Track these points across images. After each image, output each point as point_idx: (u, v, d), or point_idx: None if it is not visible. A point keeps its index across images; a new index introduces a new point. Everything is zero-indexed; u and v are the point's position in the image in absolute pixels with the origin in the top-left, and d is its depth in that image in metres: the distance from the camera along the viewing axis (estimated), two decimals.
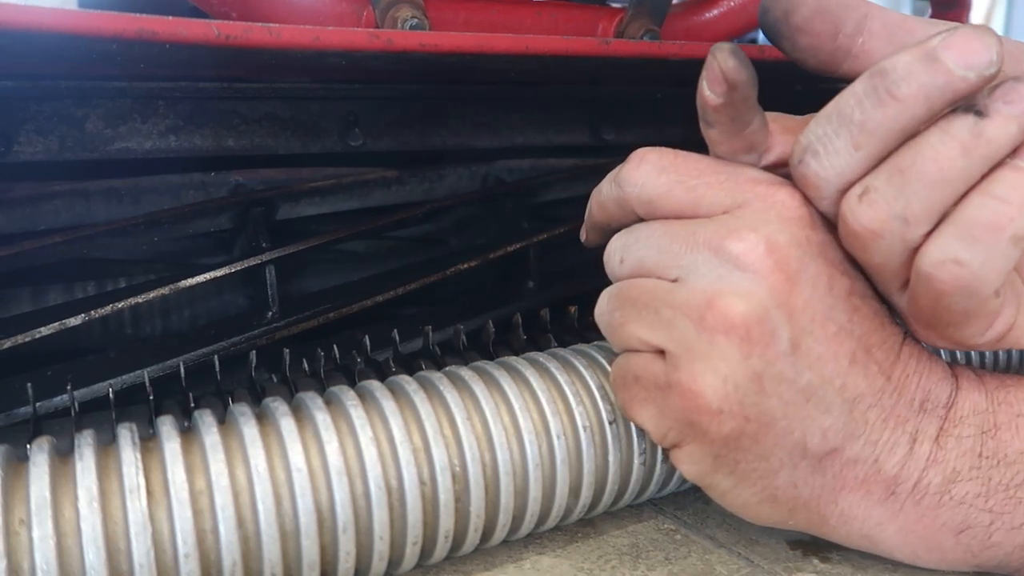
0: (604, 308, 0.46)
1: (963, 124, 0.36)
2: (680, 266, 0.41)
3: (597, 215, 0.49)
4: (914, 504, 0.41)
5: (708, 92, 0.40)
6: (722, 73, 0.39)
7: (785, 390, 0.40)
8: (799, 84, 0.93)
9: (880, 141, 0.38)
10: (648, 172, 0.44)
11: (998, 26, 4.80)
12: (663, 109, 0.90)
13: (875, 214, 0.38)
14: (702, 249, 0.40)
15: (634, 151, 0.45)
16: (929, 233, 0.37)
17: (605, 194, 0.47)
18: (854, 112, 0.38)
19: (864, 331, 0.41)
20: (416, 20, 0.58)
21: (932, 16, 1.05)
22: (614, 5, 0.75)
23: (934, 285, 0.38)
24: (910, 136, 0.37)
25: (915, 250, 0.38)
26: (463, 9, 0.65)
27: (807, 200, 0.41)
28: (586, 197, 0.81)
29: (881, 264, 0.40)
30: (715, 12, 0.84)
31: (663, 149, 0.44)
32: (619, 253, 0.45)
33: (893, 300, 0.42)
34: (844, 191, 0.40)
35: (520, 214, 0.78)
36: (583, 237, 0.52)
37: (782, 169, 0.43)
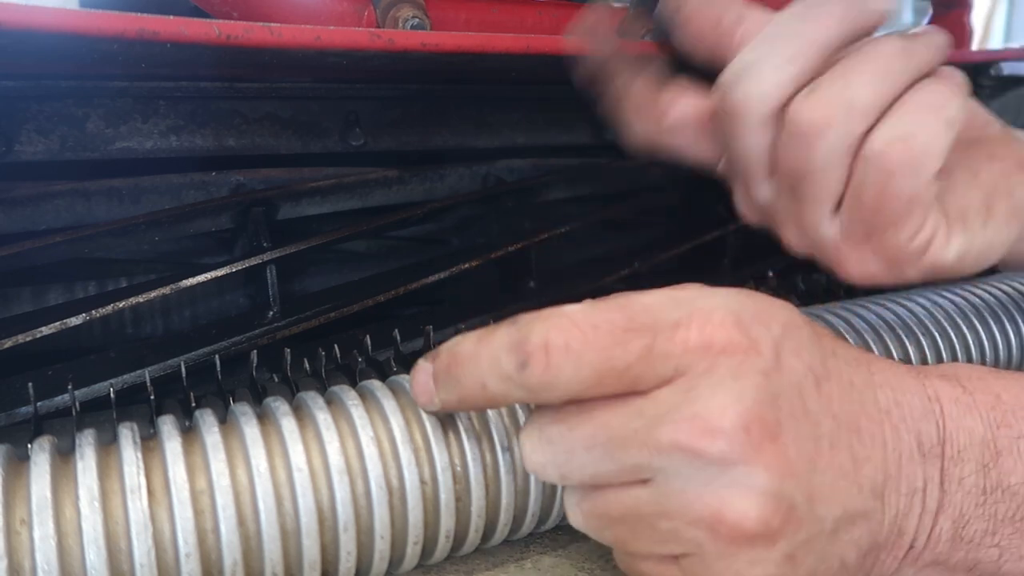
0: (582, 523, 0.40)
1: (894, 37, 0.42)
2: (649, 468, 0.36)
3: (473, 400, 0.39)
4: (930, 552, 0.41)
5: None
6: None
7: (816, 543, 0.37)
8: None
9: (813, 53, 0.41)
10: (569, 372, 0.35)
11: (999, 26, 4.79)
12: None
13: (823, 105, 0.40)
14: (669, 451, 0.35)
15: (526, 331, 0.36)
16: (868, 131, 0.41)
17: (495, 391, 0.37)
18: (790, 27, 0.42)
19: (846, 411, 0.39)
20: (417, 20, 0.58)
21: (933, 16, 1.05)
22: (615, 5, 0.75)
23: (884, 164, 0.41)
24: (832, 58, 0.41)
25: (857, 147, 0.41)
26: (464, 9, 0.65)
27: (738, 322, 0.36)
28: (587, 197, 0.81)
29: (823, 165, 0.42)
30: None
31: (562, 322, 0.35)
32: (554, 470, 0.38)
33: (823, 229, 0.45)
34: (777, 111, 0.42)
35: (521, 214, 0.78)
36: (426, 402, 0.41)
37: None
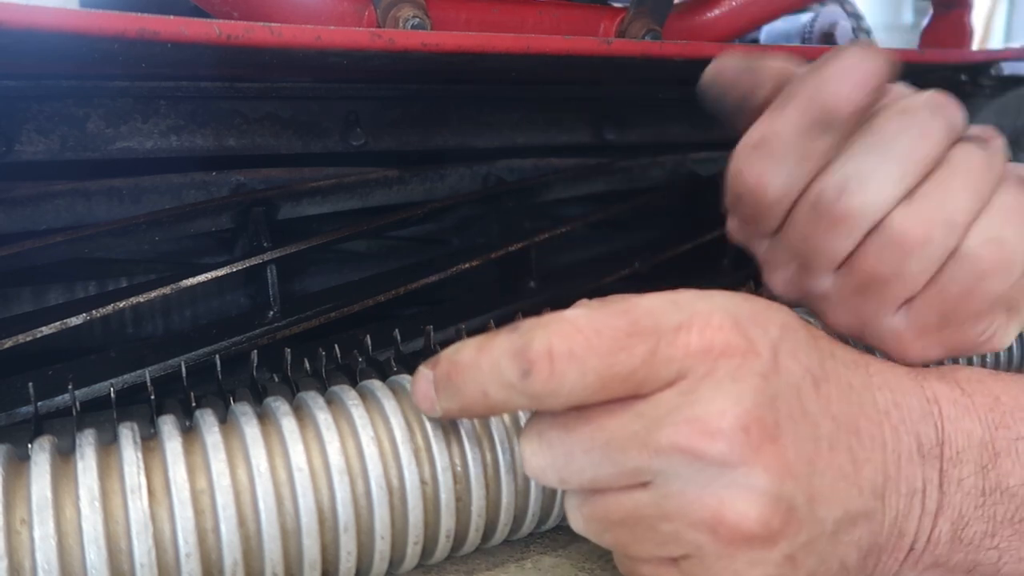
0: (582, 526, 0.40)
1: (976, 147, 0.42)
2: (649, 471, 0.36)
3: (475, 408, 0.39)
4: (930, 554, 0.41)
5: (850, 91, 0.40)
6: (886, 67, 0.41)
7: (816, 544, 0.38)
8: None
9: (920, 169, 0.42)
10: (573, 378, 0.35)
11: (999, 26, 4.79)
12: (665, 109, 0.90)
13: (925, 219, 0.41)
14: (668, 453, 0.35)
15: (528, 338, 0.36)
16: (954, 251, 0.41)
17: (497, 398, 0.37)
18: (899, 142, 0.41)
19: (844, 412, 0.39)
20: (418, 20, 0.58)
21: (934, 16, 1.05)
22: (616, 5, 0.75)
23: (978, 265, 0.41)
24: (931, 170, 0.42)
25: (946, 259, 0.42)
26: (465, 9, 0.65)
27: (736, 324, 0.37)
28: (588, 197, 0.81)
29: (916, 273, 0.42)
30: (717, 12, 0.84)
31: (565, 328, 0.35)
32: (553, 474, 0.38)
33: (887, 321, 0.44)
34: (877, 223, 0.42)
35: (521, 214, 0.78)
36: (428, 409, 0.41)
37: None
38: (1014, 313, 0.45)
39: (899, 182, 0.41)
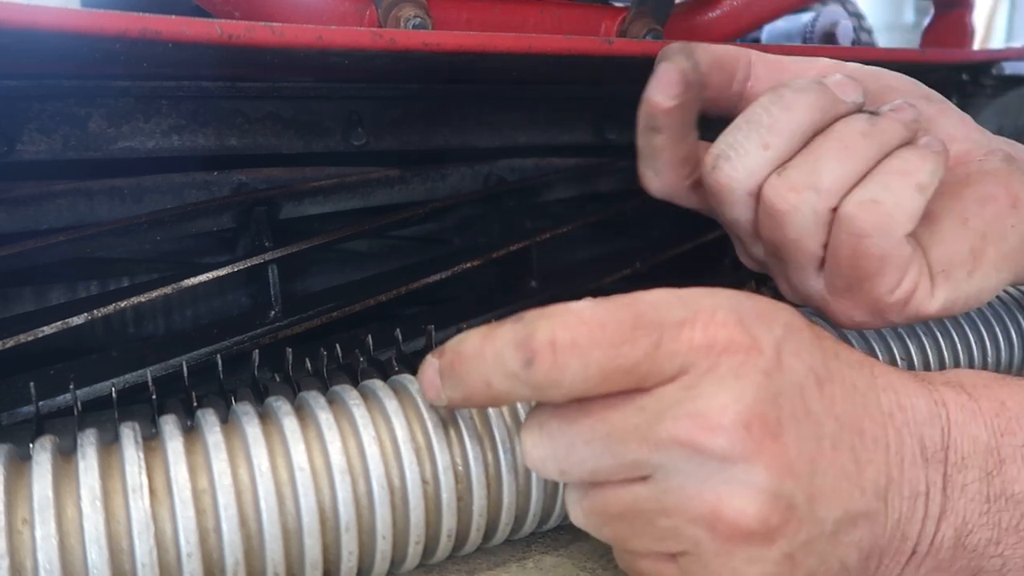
0: (582, 520, 0.40)
1: (860, 118, 0.45)
2: (649, 464, 0.36)
3: (478, 398, 0.38)
4: (932, 558, 0.40)
5: (659, 96, 0.46)
6: (680, 74, 0.45)
7: (816, 544, 0.37)
8: None
9: (785, 140, 0.45)
10: (576, 369, 0.35)
11: (1000, 26, 4.79)
12: None
13: (790, 187, 0.44)
14: (670, 446, 0.36)
15: (532, 328, 0.36)
16: (835, 208, 0.44)
17: (500, 388, 0.37)
18: (762, 117, 0.45)
19: (848, 412, 0.39)
20: (419, 19, 0.58)
21: (935, 16, 1.06)
22: (617, 4, 0.75)
23: (854, 225, 0.44)
24: (806, 140, 0.45)
25: (828, 222, 0.45)
26: (466, 8, 0.65)
27: (740, 321, 0.37)
28: (589, 197, 0.81)
29: (798, 238, 0.45)
30: (718, 12, 0.84)
31: (569, 319, 0.35)
32: (554, 464, 0.38)
33: (810, 285, 0.48)
34: (755, 191, 0.46)
35: (522, 213, 0.78)
36: (433, 398, 0.40)
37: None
38: (940, 277, 0.47)
39: (762, 151, 0.45)
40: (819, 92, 0.45)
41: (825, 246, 0.46)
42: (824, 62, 0.52)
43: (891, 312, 0.47)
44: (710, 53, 0.50)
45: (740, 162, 0.45)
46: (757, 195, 0.46)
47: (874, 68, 0.53)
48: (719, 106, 0.52)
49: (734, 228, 0.50)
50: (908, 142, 0.45)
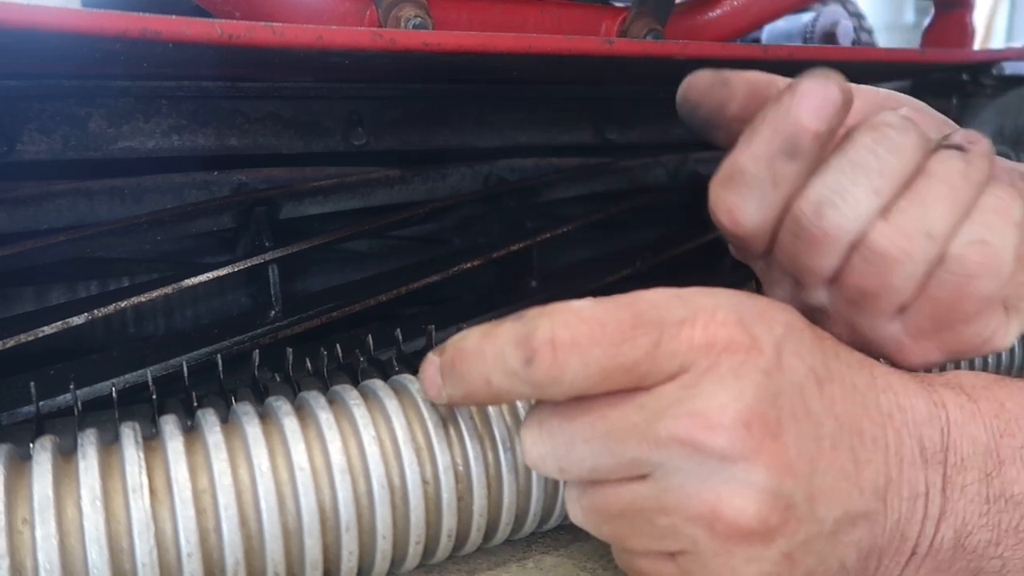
0: (581, 518, 0.40)
1: (954, 155, 0.43)
2: (648, 463, 0.36)
3: (478, 396, 0.39)
4: (932, 559, 0.40)
5: (810, 118, 0.41)
6: (842, 94, 0.40)
7: (815, 543, 0.37)
8: None
9: (894, 185, 0.42)
10: (576, 367, 0.35)
11: (1000, 26, 4.78)
12: (666, 108, 0.89)
13: (903, 234, 0.41)
14: (669, 444, 0.36)
15: (532, 326, 0.36)
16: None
17: (500, 386, 0.37)
18: (870, 160, 0.42)
19: (848, 412, 0.39)
20: (419, 19, 0.58)
21: (936, 16, 1.05)
22: (617, 4, 0.75)
23: (964, 268, 0.41)
24: (908, 183, 0.42)
25: (931, 269, 0.41)
26: (466, 8, 0.65)
27: (741, 320, 0.37)
28: (589, 196, 0.81)
29: (902, 285, 0.42)
30: (718, 12, 0.84)
31: (570, 318, 0.36)
32: (554, 462, 0.38)
33: (885, 328, 0.44)
34: (856, 240, 0.42)
35: (523, 213, 0.78)
36: (434, 396, 0.40)
37: None
38: (1014, 312, 0.45)
39: (872, 198, 0.42)
40: (918, 133, 0.43)
41: (919, 291, 0.43)
42: (867, 93, 0.49)
43: (972, 351, 0.45)
44: (746, 81, 0.47)
45: (849, 209, 0.42)
46: (856, 243, 0.42)
47: (886, 90, 0.51)
48: (714, 127, 0.49)
49: (805, 274, 0.46)
50: (992, 178, 0.44)
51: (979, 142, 0.44)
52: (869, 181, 0.42)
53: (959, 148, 0.43)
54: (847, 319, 0.46)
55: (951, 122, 0.51)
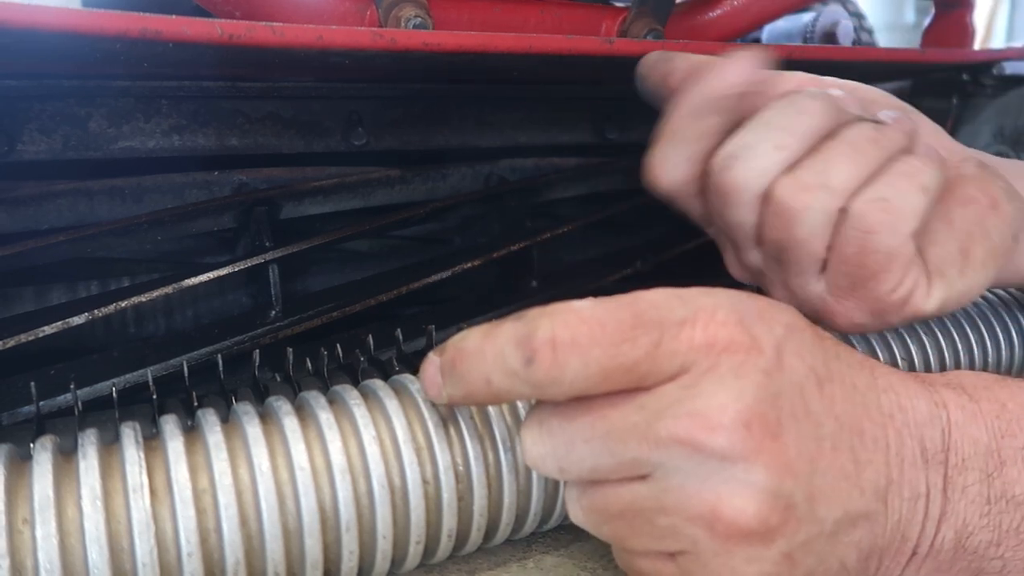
0: (581, 518, 0.40)
1: (867, 125, 0.47)
2: (648, 463, 0.37)
3: (478, 396, 0.39)
4: (933, 559, 0.40)
5: (732, 76, 0.47)
6: (756, 60, 0.47)
7: (815, 543, 0.37)
8: None
9: (798, 142, 0.46)
10: (576, 368, 0.35)
11: (1001, 26, 4.78)
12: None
13: (802, 186, 0.45)
14: (669, 444, 0.36)
15: (532, 326, 0.36)
16: (843, 209, 0.45)
17: (500, 386, 0.37)
18: (776, 118, 0.46)
19: (848, 413, 0.39)
20: (419, 19, 0.58)
21: (936, 15, 1.05)
22: (618, 4, 0.75)
23: (863, 224, 0.45)
24: (815, 144, 0.46)
25: (836, 220, 0.45)
26: (466, 8, 0.65)
27: (741, 321, 0.37)
28: (590, 196, 0.81)
29: (806, 237, 0.46)
30: (718, 11, 0.84)
31: (570, 318, 0.36)
32: (554, 462, 0.39)
33: (810, 288, 0.48)
34: (763, 192, 0.46)
35: (523, 213, 0.78)
36: (435, 395, 0.41)
37: None
38: (937, 276, 0.48)
39: (776, 152, 0.46)
40: (829, 101, 0.47)
41: (830, 248, 0.46)
42: (801, 75, 0.54)
43: (891, 312, 0.48)
44: (687, 61, 0.52)
45: (754, 162, 0.46)
46: (764, 197, 0.46)
47: (852, 82, 0.54)
48: (661, 95, 0.54)
49: (733, 232, 0.50)
50: (908, 151, 0.47)
51: (902, 120, 0.48)
52: (774, 137, 0.46)
53: (876, 121, 0.47)
54: (781, 280, 0.50)
55: (914, 110, 0.55)
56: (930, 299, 0.48)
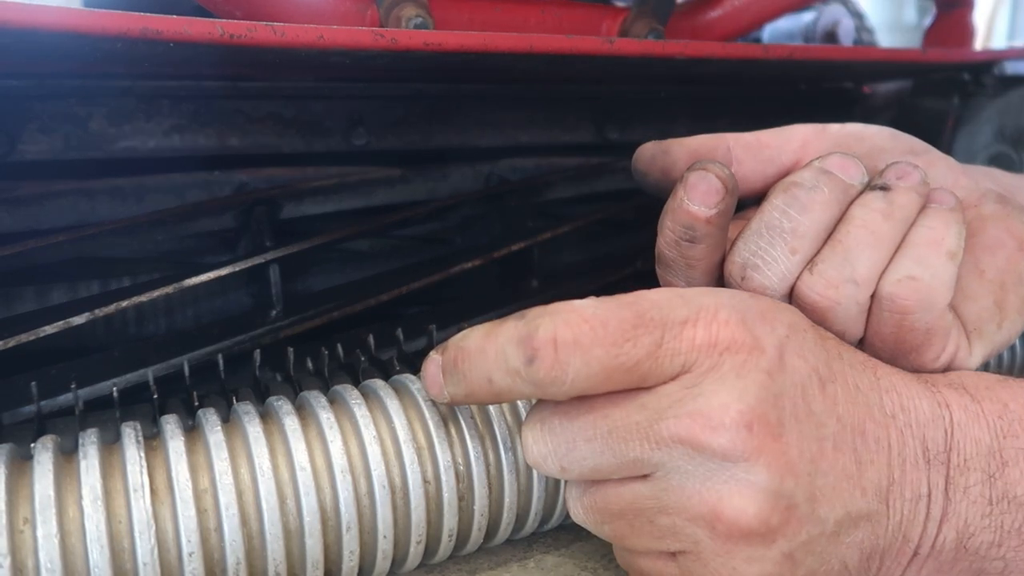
0: (582, 517, 0.41)
1: (876, 197, 0.44)
2: (649, 462, 0.37)
3: (480, 395, 0.39)
4: (934, 560, 0.40)
5: (698, 206, 0.42)
6: (721, 182, 0.42)
7: (816, 543, 0.38)
8: (803, 84, 0.93)
9: (811, 241, 0.43)
10: (577, 367, 0.35)
11: (1002, 26, 4.78)
12: (667, 108, 0.90)
13: (827, 284, 0.43)
14: (670, 444, 0.36)
15: (534, 326, 0.36)
16: (873, 294, 0.43)
17: (501, 385, 0.37)
18: (782, 223, 0.44)
19: (850, 413, 0.39)
20: (420, 19, 0.58)
21: (936, 15, 1.05)
22: (618, 4, 0.75)
23: (897, 304, 0.43)
24: (829, 232, 0.44)
25: (867, 309, 0.43)
26: (467, 8, 0.65)
27: (743, 321, 0.37)
28: (591, 196, 0.81)
29: (842, 329, 0.43)
30: (719, 12, 0.84)
31: (571, 317, 0.36)
32: (555, 461, 0.39)
33: None
34: (788, 293, 0.44)
35: (524, 213, 0.78)
36: (436, 394, 0.41)
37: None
38: (976, 335, 0.46)
39: (791, 256, 0.43)
40: (831, 186, 0.44)
41: (867, 329, 0.45)
42: (803, 131, 0.50)
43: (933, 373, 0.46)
44: (685, 147, 0.50)
45: (770, 270, 0.44)
46: (792, 296, 0.44)
47: (854, 127, 0.52)
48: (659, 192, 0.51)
49: None
50: (925, 209, 0.45)
51: (908, 176, 0.45)
52: (785, 242, 0.43)
53: (883, 188, 0.44)
54: None
55: (922, 146, 0.51)
56: (972, 358, 0.46)
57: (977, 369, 0.46)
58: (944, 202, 0.45)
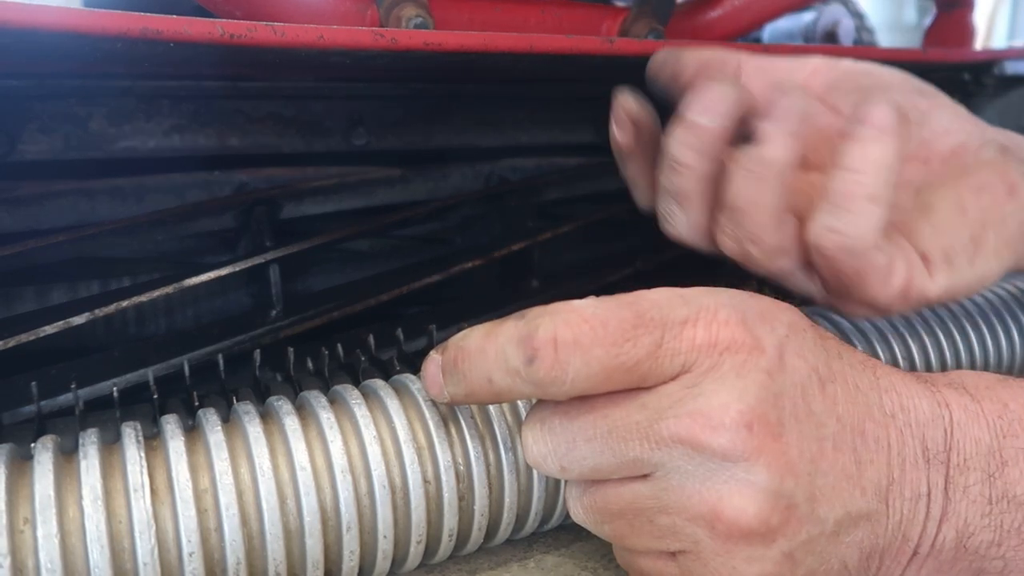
0: (582, 517, 0.41)
1: (745, 157, 0.45)
2: (649, 462, 0.37)
3: (480, 395, 0.39)
4: (934, 559, 0.40)
5: (618, 135, 0.50)
6: (626, 114, 0.48)
7: (816, 543, 0.38)
8: None
9: (697, 194, 0.47)
10: (577, 367, 0.35)
11: (1002, 25, 4.78)
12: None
13: (732, 246, 0.47)
14: (670, 444, 0.36)
15: (534, 326, 0.36)
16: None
17: (501, 385, 0.37)
18: (671, 184, 0.48)
19: (850, 413, 0.39)
20: (420, 19, 0.58)
21: (936, 15, 1.05)
22: (619, 4, 0.75)
23: (823, 254, 0.45)
24: (716, 174, 0.47)
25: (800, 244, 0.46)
26: (467, 8, 0.65)
27: (743, 320, 0.37)
28: (591, 196, 0.81)
29: (780, 270, 0.47)
30: (719, 11, 0.84)
31: (571, 317, 0.36)
32: (555, 461, 0.39)
33: (810, 289, 0.50)
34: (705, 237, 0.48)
35: (524, 213, 0.78)
36: (436, 394, 0.41)
37: None
38: (942, 263, 0.48)
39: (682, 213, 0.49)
40: (687, 133, 0.47)
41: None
42: (816, 61, 0.53)
43: (891, 305, 0.48)
44: (696, 56, 0.52)
45: (675, 222, 0.50)
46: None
47: (868, 64, 0.53)
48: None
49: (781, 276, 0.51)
50: (844, 134, 0.45)
51: (784, 115, 0.45)
52: (676, 202, 0.49)
53: (749, 139, 0.46)
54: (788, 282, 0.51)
55: (931, 90, 0.54)
56: (934, 285, 0.47)
57: (943, 295, 0.48)
58: (879, 122, 0.44)
